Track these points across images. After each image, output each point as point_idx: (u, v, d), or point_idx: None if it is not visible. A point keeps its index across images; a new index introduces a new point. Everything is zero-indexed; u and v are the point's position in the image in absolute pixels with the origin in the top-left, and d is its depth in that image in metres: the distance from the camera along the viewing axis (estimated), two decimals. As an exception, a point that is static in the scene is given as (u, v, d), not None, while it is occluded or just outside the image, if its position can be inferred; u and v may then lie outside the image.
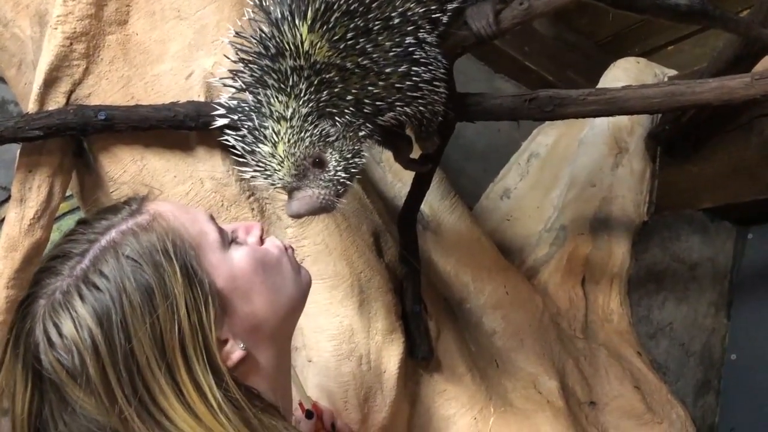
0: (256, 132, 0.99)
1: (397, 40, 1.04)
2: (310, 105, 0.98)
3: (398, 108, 1.06)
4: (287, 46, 0.97)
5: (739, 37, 1.59)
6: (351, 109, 1.01)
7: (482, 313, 1.76)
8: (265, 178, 1.01)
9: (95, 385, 0.75)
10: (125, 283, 0.78)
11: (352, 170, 1.04)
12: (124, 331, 0.76)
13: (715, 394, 2.12)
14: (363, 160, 1.05)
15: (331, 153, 1.02)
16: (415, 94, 1.07)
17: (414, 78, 1.05)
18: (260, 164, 1.00)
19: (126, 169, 1.32)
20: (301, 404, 1.18)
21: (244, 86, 1.02)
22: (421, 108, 1.09)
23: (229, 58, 1.03)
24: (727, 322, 2.15)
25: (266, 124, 0.99)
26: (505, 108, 1.26)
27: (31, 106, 1.26)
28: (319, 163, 1.01)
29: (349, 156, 1.03)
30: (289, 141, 0.98)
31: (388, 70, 1.03)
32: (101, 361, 0.75)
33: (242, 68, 1.02)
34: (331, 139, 1.01)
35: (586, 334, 1.98)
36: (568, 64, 2.40)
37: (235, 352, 0.84)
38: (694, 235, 2.14)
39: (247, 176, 1.02)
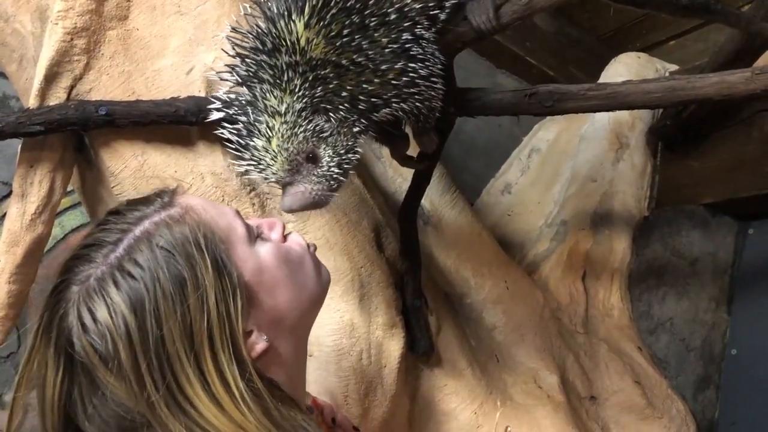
0: (251, 126, 1.00)
1: (393, 36, 1.03)
2: (304, 100, 0.99)
3: (394, 104, 1.06)
4: (283, 42, 0.98)
5: (740, 32, 1.59)
6: (346, 105, 1.01)
7: (483, 308, 1.77)
8: (259, 172, 1.01)
9: (126, 371, 0.76)
10: (159, 273, 0.79)
11: (346, 166, 1.04)
12: (156, 319, 0.77)
13: (715, 389, 2.12)
14: (357, 155, 1.05)
15: (324, 148, 1.02)
16: (411, 90, 1.06)
17: (410, 74, 1.05)
18: (254, 158, 1.00)
19: (127, 164, 1.32)
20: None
21: (240, 80, 1.03)
22: (417, 104, 1.09)
23: (227, 53, 1.03)
24: (727, 317, 2.15)
25: (261, 119, 0.99)
26: (505, 103, 1.26)
27: (32, 102, 1.27)
28: (313, 159, 1.01)
29: (342, 152, 1.03)
30: (282, 136, 0.99)
31: (384, 67, 1.02)
32: (133, 348, 0.76)
33: (239, 63, 1.02)
34: (325, 134, 1.01)
35: (587, 329, 1.98)
36: (569, 59, 2.40)
37: (259, 343, 0.86)
38: (694, 230, 2.14)
39: (241, 169, 1.03)
